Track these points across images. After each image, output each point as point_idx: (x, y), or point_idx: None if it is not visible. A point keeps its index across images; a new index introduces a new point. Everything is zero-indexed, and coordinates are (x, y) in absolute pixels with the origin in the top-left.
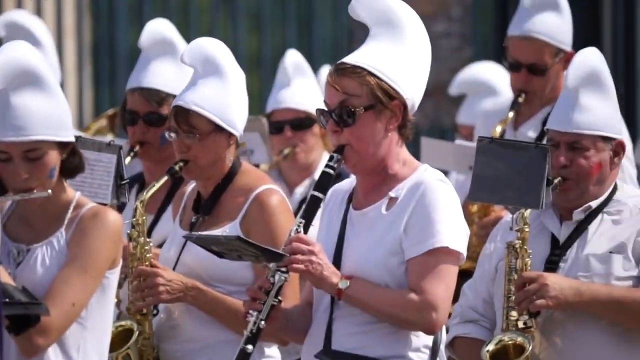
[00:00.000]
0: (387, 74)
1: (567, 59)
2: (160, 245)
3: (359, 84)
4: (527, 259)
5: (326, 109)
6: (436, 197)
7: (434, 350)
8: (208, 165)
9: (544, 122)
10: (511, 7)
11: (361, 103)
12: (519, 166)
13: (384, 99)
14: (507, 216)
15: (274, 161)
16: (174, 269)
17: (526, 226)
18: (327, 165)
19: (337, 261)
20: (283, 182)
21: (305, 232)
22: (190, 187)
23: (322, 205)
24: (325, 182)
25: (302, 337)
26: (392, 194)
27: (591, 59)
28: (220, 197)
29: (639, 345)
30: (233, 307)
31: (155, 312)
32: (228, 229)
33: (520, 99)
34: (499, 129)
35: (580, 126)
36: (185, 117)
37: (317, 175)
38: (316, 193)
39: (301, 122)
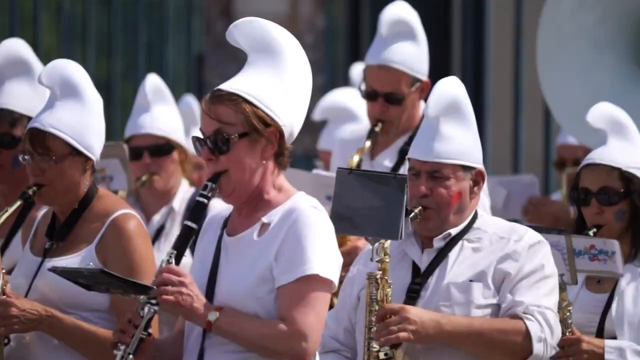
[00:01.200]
0: (263, 101)
1: (423, 88)
2: (9, 272)
3: (234, 111)
4: (388, 289)
5: (201, 137)
6: (308, 224)
7: None
8: (63, 189)
9: (401, 152)
10: (363, 34)
11: (236, 131)
12: (378, 197)
13: (260, 126)
14: (368, 246)
15: (132, 188)
16: (26, 296)
17: (386, 257)
18: (200, 194)
19: (211, 289)
20: (140, 210)
21: (177, 262)
22: (41, 212)
23: (200, 233)
24: (198, 212)
25: None
26: (264, 219)
27: (452, 88)
28: (76, 222)
29: None
30: (91, 334)
31: (6, 341)
32: (83, 254)
33: (377, 128)
34: (356, 159)
35: (440, 155)
36: (42, 140)
37: (175, 203)
38: (189, 223)
39: (160, 148)
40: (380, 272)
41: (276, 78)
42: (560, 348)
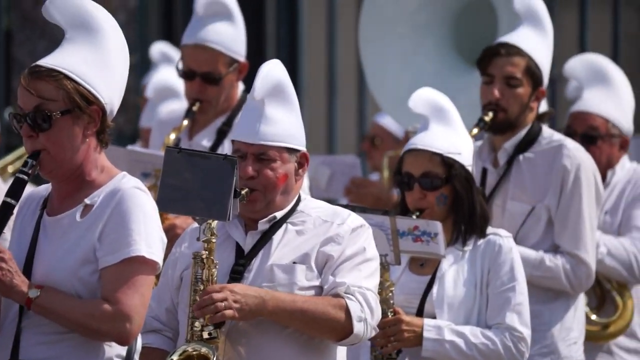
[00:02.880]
0: (84, 78)
1: (241, 69)
2: None
3: (55, 87)
4: (214, 270)
5: (20, 113)
6: (132, 205)
7: None
8: None
9: (219, 132)
10: (176, 13)
11: (58, 107)
12: (207, 177)
13: (82, 103)
14: (193, 225)
15: None
16: None
17: (213, 237)
18: (20, 171)
19: (28, 269)
20: None
21: None
22: None
23: (17, 211)
24: (18, 188)
25: None
26: (87, 201)
27: (277, 71)
28: None
29: (320, 353)
30: None
31: None
32: None
33: (195, 108)
34: (172, 137)
35: (267, 138)
36: None
37: None
38: (8, 199)
39: None
40: (207, 252)
41: (95, 55)
42: (381, 329)
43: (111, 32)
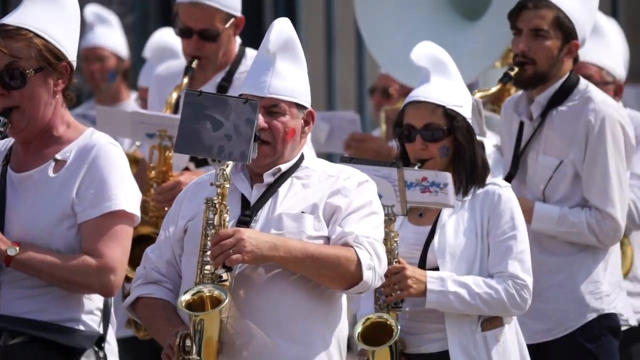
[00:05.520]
0: (52, 35)
1: (237, 24)
2: None
3: (26, 46)
4: (225, 215)
5: None
6: (109, 160)
7: (106, 313)
8: None
9: (219, 87)
10: None
11: (31, 65)
12: (227, 120)
13: (53, 60)
14: (198, 178)
15: None
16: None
17: (226, 182)
18: None
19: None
20: None
21: None
22: None
23: None
24: None
25: None
26: (58, 156)
27: (288, 28)
28: None
29: (326, 300)
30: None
31: None
32: None
33: (193, 65)
34: (174, 96)
35: (278, 91)
36: None
37: None
38: None
39: None
40: (219, 197)
41: (56, 14)
42: (386, 277)
43: None
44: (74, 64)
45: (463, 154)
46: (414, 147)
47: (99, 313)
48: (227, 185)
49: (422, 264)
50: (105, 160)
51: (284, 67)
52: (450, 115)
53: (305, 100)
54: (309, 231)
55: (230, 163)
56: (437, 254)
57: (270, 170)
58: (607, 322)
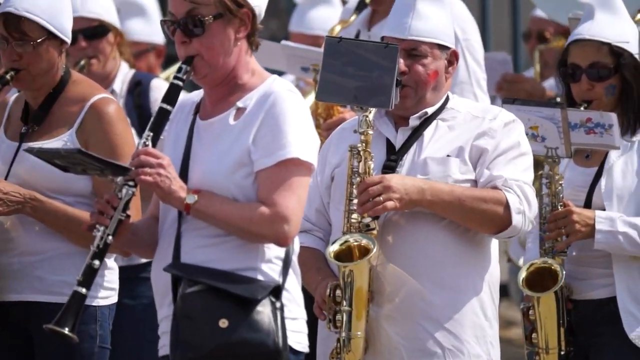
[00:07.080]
0: None
1: None
2: None
3: None
4: (370, 162)
5: (172, 19)
6: (286, 108)
7: (286, 262)
8: (41, 73)
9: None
10: None
11: (210, 12)
12: (368, 66)
13: (233, 7)
14: (344, 123)
15: None
16: (5, 179)
17: (370, 129)
18: (175, 77)
19: (184, 174)
20: None
21: (154, 145)
22: (13, 97)
23: (170, 117)
24: (173, 94)
25: (147, 251)
26: (239, 104)
27: None
28: (52, 106)
29: (476, 245)
30: (75, 218)
31: None
32: (65, 138)
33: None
34: (338, 28)
35: (420, 33)
36: (17, 24)
37: (116, 85)
38: (164, 105)
39: (94, 31)
40: (363, 144)
41: None
42: (552, 222)
43: None
44: (258, 10)
45: (631, 92)
46: (579, 87)
47: (279, 262)
48: (371, 132)
49: (587, 207)
50: (282, 107)
51: (425, 8)
52: (617, 53)
53: (448, 40)
54: (455, 175)
55: (373, 109)
56: (604, 196)
57: (417, 114)
58: None
